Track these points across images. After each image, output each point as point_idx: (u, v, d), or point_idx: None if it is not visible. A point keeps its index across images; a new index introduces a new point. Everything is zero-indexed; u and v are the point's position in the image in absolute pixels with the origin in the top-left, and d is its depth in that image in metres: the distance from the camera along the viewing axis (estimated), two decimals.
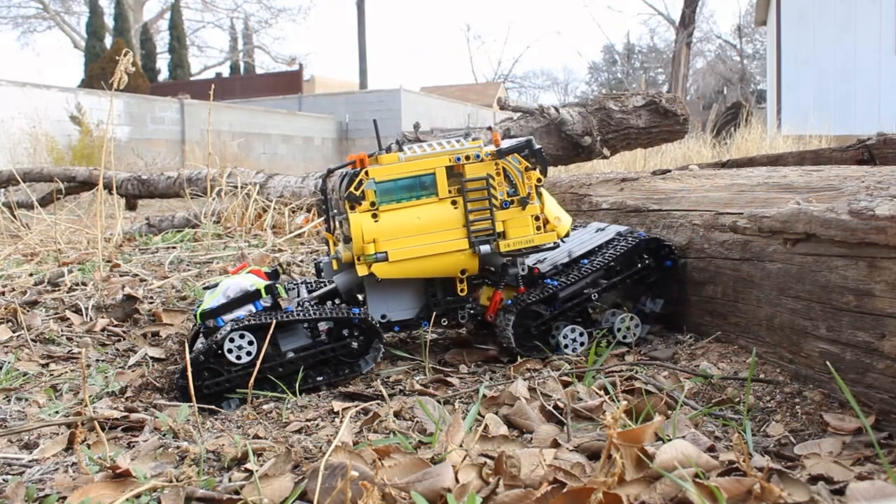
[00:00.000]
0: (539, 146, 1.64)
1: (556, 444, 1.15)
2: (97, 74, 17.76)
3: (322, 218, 3.66)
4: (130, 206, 5.46)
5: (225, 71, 31.57)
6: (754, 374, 1.38)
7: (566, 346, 1.69)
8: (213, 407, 1.48)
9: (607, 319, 1.76)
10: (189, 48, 29.13)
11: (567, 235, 1.71)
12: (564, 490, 0.94)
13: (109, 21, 25.26)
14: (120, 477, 1.06)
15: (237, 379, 1.54)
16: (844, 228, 1.17)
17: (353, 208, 1.59)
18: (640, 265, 1.75)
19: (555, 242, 1.66)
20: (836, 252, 1.22)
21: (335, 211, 1.73)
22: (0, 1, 28.10)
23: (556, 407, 1.31)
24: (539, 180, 1.63)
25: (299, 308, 1.64)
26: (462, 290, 1.68)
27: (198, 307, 1.66)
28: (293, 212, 3.98)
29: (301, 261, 3.06)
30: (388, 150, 1.65)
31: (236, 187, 4.14)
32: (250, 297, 1.64)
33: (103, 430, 1.31)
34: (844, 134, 7.82)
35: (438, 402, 1.39)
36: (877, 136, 2.53)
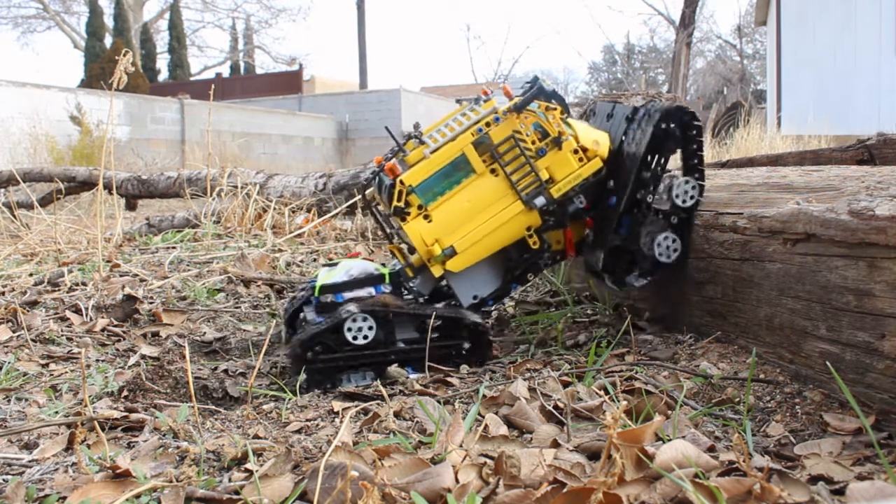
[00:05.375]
0: (551, 87, 1.64)
1: (556, 444, 1.15)
2: (97, 74, 17.77)
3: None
4: (130, 206, 5.46)
5: (225, 71, 31.56)
6: (754, 374, 1.38)
7: (660, 255, 1.68)
8: (213, 407, 1.48)
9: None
10: (189, 48, 29.14)
11: (610, 153, 1.68)
12: (564, 490, 0.94)
13: (109, 21, 25.25)
14: (120, 477, 1.06)
15: (349, 358, 1.58)
16: (844, 228, 1.17)
17: (404, 220, 1.61)
18: (668, 140, 1.63)
19: (601, 167, 1.64)
20: (836, 252, 1.21)
21: (379, 215, 1.75)
22: (0, 1, 28.11)
23: (556, 407, 1.31)
24: (563, 113, 1.63)
25: (415, 302, 1.67)
26: (535, 244, 1.69)
27: (314, 282, 1.68)
28: (293, 212, 3.98)
29: (301, 261, 3.06)
30: (408, 140, 1.66)
31: (236, 187, 4.14)
32: (373, 279, 1.67)
33: (103, 430, 1.31)
34: (844, 134, 7.81)
35: (438, 402, 1.39)
36: (877, 136, 2.53)
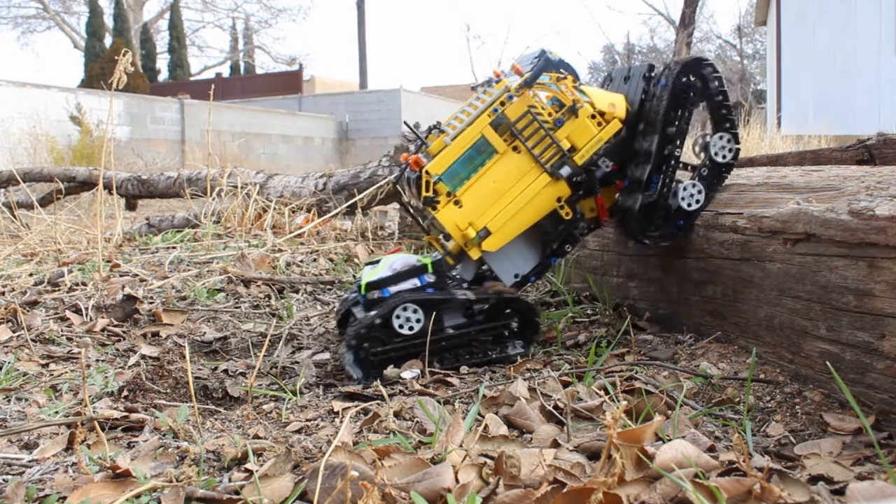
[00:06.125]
0: (558, 57, 1.66)
1: (556, 444, 1.15)
2: (97, 74, 17.78)
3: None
4: (130, 206, 5.46)
5: (225, 71, 31.55)
6: (754, 374, 1.38)
7: (684, 201, 1.68)
8: (213, 407, 1.48)
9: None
10: (189, 48, 29.14)
11: (631, 113, 1.69)
12: (564, 490, 0.94)
13: (109, 21, 25.25)
14: (120, 477, 1.06)
15: (400, 349, 1.61)
16: (844, 228, 1.17)
17: (435, 209, 1.63)
18: (690, 93, 1.66)
19: (621, 128, 1.66)
20: (836, 252, 1.22)
21: (412, 209, 1.77)
22: (0, 1, 28.10)
23: (556, 407, 1.31)
24: (575, 81, 1.65)
25: (461, 288, 1.70)
26: (567, 214, 1.71)
27: (359, 281, 1.71)
28: (293, 212, 3.98)
29: (301, 261, 3.06)
30: (429, 132, 1.68)
31: (236, 187, 4.14)
32: (416, 270, 1.69)
33: (103, 430, 1.31)
34: (844, 134, 7.81)
35: (438, 402, 1.39)
36: (877, 136, 2.52)
